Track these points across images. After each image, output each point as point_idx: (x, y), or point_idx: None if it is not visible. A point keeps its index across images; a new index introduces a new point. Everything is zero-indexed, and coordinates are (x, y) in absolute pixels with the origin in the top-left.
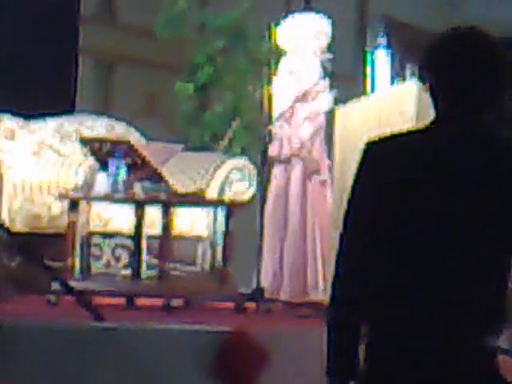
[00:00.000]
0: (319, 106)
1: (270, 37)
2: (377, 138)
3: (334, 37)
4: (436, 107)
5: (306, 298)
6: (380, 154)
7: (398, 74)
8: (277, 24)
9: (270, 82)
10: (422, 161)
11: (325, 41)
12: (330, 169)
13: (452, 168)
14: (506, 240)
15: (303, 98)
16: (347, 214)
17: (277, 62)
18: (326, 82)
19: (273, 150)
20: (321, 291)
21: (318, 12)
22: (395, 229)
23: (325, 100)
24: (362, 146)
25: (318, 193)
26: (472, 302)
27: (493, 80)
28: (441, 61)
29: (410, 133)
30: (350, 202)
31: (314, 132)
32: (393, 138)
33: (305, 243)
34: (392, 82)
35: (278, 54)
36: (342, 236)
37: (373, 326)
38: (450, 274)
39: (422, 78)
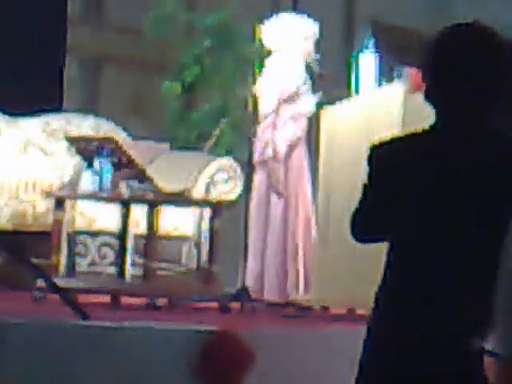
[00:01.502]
0: (303, 109)
1: (255, 36)
2: (379, 142)
3: (321, 38)
4: (436, 107)
5: (287, 299)
6: (384, 157)
7: (386, 77)
8: (262, 23)
9: (254, 82)
10: (425, 161)
11: (312, 44)
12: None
13: (454, 168)
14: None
15: (287, 100)
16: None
17: (262, 62)
18: (309, 84)
19: (257, 153)
20: (302, 292)
21: (306, 14)
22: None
23: (308, 103)
24: (351, 147)
25: (300, 193)
26: (465, 301)
27: (493, 77)
28: (438, 60)
29: (413, 135)
30: (364, 190)
31: (299, 134)
32: (395, 140)
33: (285, 244)
34: (379, 85)
35: (264, 53)
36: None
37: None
38: (443, 275)
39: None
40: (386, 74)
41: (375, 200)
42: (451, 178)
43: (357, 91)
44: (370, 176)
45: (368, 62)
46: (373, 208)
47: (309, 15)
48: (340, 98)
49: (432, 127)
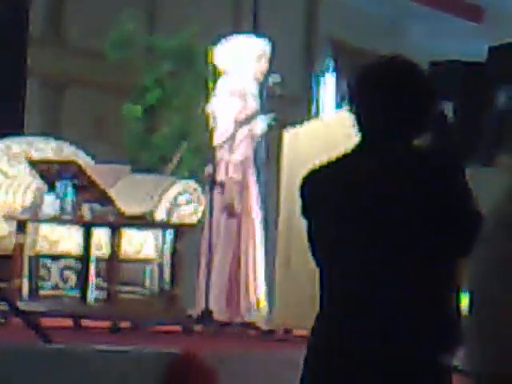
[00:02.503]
0: (256, 129)
1: (207, 56)
2: (308, 172)
3: (282, 59)
4: (360, 131)
5: (242, 319)
6: (312, 186)
7: (344, 98)
8: (215, 45)
9: (207, 102)
10: (348, 184)
11: (266, 64)
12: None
13: (374, 188)
14: (436, 253)
15: (243, 122)
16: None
17: (215, 82)
18: (259, 105)
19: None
20: (253, 313)
21: (260, 36)
22: (331, 250)
23: (260, 123)
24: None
25: (250, 213)
26: (406, 312)
27: (408, 105)
28: (360, 89)
29: (337, 160)
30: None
31: (249, 154)
32: (322, 168)
33: (238, 263)
34: (339, 106)
35: (217, 75)
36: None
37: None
38: (379, 293)
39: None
40: (344, 95)
41: (309, 228)
42: (375, 197)
43: (318, 112)
44: (303, 206)
45: (329, 82)
46: (309, 237)
47: (269, 36)
48: (301, 119)
49: (356, 150)
